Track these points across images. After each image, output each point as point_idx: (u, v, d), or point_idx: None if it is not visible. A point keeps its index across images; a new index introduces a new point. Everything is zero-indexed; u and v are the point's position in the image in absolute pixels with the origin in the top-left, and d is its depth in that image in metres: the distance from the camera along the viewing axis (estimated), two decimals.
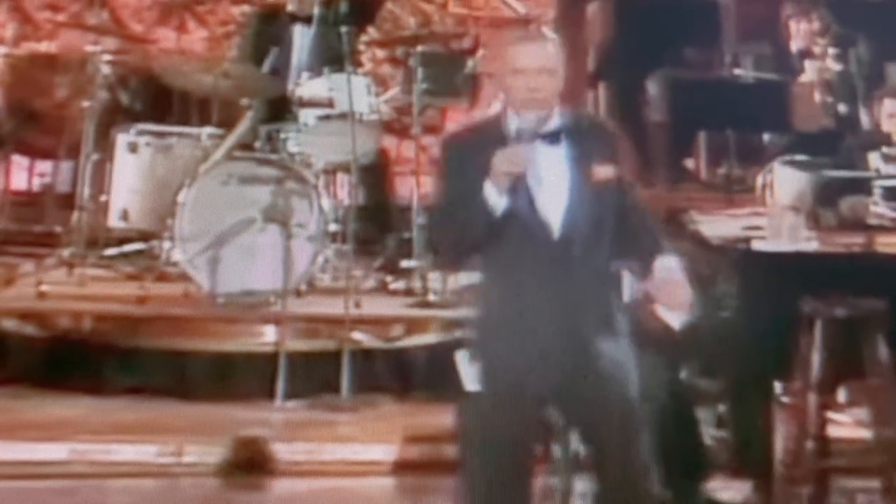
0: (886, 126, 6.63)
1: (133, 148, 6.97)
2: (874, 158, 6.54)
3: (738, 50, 7.55)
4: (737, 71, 7.34)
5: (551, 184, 4.08)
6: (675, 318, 4.13)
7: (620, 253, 4.18)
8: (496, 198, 4.02)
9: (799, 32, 7.53)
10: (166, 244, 6.65)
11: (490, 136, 4.12)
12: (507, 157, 4.02)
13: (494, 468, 4.10)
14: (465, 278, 6.72)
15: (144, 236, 6.94)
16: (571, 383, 4.09)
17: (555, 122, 4.11)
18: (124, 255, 6.99)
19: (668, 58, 7.42)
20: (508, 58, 4.11)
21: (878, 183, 6.05)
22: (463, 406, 4.23)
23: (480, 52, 7.82)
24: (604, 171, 4.11)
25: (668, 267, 4.12)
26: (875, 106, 6.70)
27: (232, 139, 6.97)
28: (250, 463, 5.58)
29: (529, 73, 4.07)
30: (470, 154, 4.12)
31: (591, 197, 4.10)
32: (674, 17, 7.50)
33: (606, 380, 4.09)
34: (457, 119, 8.13)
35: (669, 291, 4.11)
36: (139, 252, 6.95)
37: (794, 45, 7.57)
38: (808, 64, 7.50)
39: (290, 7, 7.32)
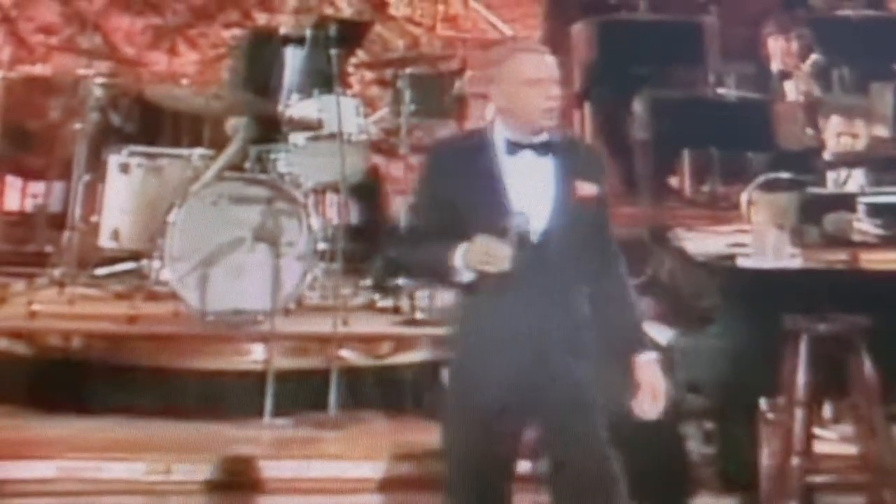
0: (832, 143, 6.69)
1: (124, 169, 7.03)
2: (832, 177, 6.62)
3: (722, 69, 7.61)
4: (720, 90, 7.40)
5: (535, 194, 4.06)
6: (650, 411, 4.12)
7: (588, 279, 4.15)
8: (462, 270, 3.97)
9: (777, 51, 7.60)
10: (156, 264, 6.69)
11: (476, 147, 4.10)
12: (484, 253, 3.93)
13: (474, 485, 4.11)
14: (453, 296, 6.80)
15: (135, 256, 6.98)
16: (541, 400, 4.08)
17: (544, 135, 4.09)
18: (115, 275, 7.04)
19: (653, 77, 7.47)
20: (521, 69, 4.05)
21: (862, 200, 6.10)
22: (443, 423, 4.23)
23: (468, 74, 7.88)
24: (588, 189, 4.11)
25: (649, 366, 4.10)
26: (822, 123, 6.77)
27: (222, 160, 7.03)
28: (239, 481, 5.59)
29: (545, 83, 4.05)
30: (453, 163, 4.10)
31: (573, 212, 4.10)
32: (658, 37, 7.56)
33: (570, 402, 4.09)
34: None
35: (649, 391, 4.10)
36: (129, 271, 6.99)
37: (774, 66, 7.64)
38: (787, 84, 7.56)
39: (282, 30, 7.40)
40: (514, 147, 4.06)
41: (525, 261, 3.99)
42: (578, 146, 4.21)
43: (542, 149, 4.07)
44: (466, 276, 3.98)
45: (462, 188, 4.05)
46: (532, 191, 4.06)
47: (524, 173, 4.07)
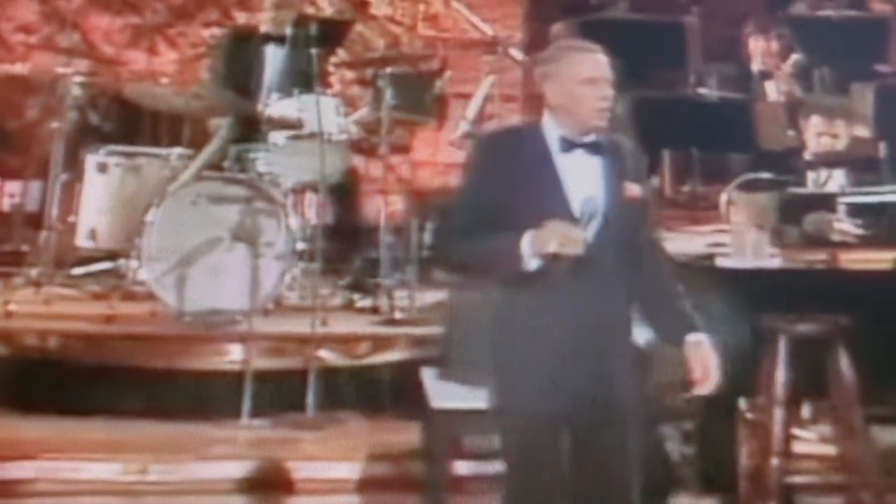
0: (813, 144, 6.69)
1: (102, 168, 7.01)
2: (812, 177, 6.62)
3: (703, 70, 7.60)
4: (701, 90, 7.39)
5: (588, 192, 4.01)
6: (704, 388, 4.12)
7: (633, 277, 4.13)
8: (529, 257, 3.93)
9: (758, 51, 7.59)
10: (133, 263, 6.66)
11: (529, 141, 4.06)
12: (561, 235, 3.91)
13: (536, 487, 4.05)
14: (433, 295, 6.80)
15: (112, 256, 6.96)
16: (583, 401, 4.03)
17: (592, 135, 4.05)
18: (92, 275, 7.01)
19: (634, 77, 7.45)
20: (579, 68, 4.01)
21: (842, 200, 6.10)
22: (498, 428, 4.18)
23: (448, 73, 7.87)
24: (634, 190, 4.09)
25: (699, 345, 4.09)
26: (802, 123, 6.77)
27: (201, 159, 7.01)
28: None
29: (600, 83, 4.02)
30: (506, 155, 4.05)
31: (623, 213, 4.06)
32: (639, 37, 7.54)
33: (608, 408, 4.06)
34: (425, 139, 8.19)
35: (702, 369, 4.09)
36: (106, 271, 6.97)
37: (755, 66, 7.64)
38: (768, 85, 7.56)
39: (263, 28, 7.38)
40: (567, 144, 4.03)
41: (579, 268, 3.96)
42: (624, 147, 4.13)
43: (592, 149, 4.05)
44: (533, 264, 3.93)
45: (517, 181, 4.00)
46: (585, 189, 4.02)
47: (577, 171, 4.03)
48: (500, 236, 3.97)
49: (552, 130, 4.06)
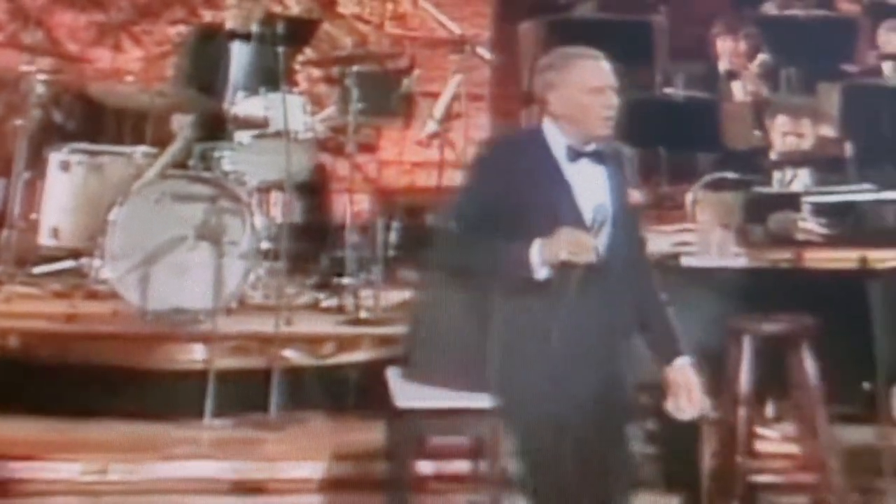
0: (779, 143, 6.69)
1: (65, 166, 6.96)
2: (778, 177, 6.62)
3: (671, 69, 7.59)
4: (668, 90, 7.38)
5: (595, 201, 3.98)
6: (684, 415, 4.11)
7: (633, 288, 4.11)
8: (539, 266, 3.89)
9: (726, 51, 7.59)
10: (96, 262, 6.60)
11: (534, 149, 4.01)
12: (573, 242, 3.88)
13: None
14: (399, 295, 6.78)
15: (74, 254, 6.91)
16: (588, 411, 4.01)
17: (593, 144, 4.02)
18: (54, 273, 6.96)
19: None
20: (585, 76, 3.98)
21: (807, 199, 6.10)
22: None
23: (416, 72, 7.84)
24: (636, 196, 4.09)
25: (685, 372, 4.07)
26: (768, 123, 6.77)
27: (165, 157, 6.97)
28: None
29: (606, 91, 3.99)
30: (511, 163, 3.98)
31: (627, 220, 4.05)
32: (606, 37, 7.51)
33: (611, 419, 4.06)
34: (392, 138, 8.16)
35: (684, 396, 4.08)
36: (69, 270, 6.92)
37: (722, 65, 7.64)
38: (735, 84, 7.56)
39: (229, 24, 7.35)
40: (574, 154, 3.99)
41: (590, 277, 3.92)
42: (623, 154, 4.12)
43: (596, 157, 4.01)
44: (543, 273, 3.88)
45: (525, 191, 3.95)
46: (593, 197, 3.98)
47: (585, 180, 4.00)
48: (508, 245, 3.91)
49: (556, 139, 4.00)
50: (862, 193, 6.28)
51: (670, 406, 4.09)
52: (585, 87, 3.97)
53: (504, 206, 3.95)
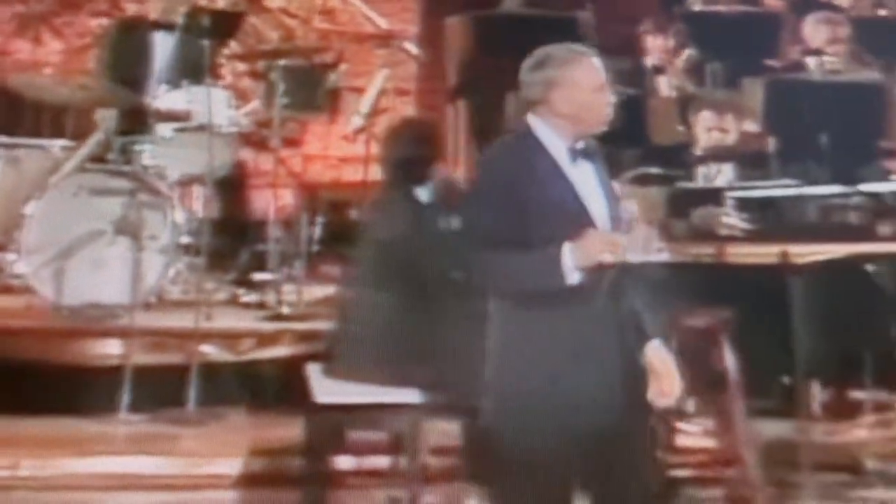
0: (703, 139, 6.70)
1: None
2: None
3: None
4: None
5: (595, 199, 3.93)
6: (664, 403, 4.01)
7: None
8: (572, 271, 3.80)
9: (654, 48, 7.60)
10: (11, 256, 6.49)
11: (533, 153, 3.91)
12: (607, 243, 3.81)
13: None
14: (321, 290, 6.73)
15: None
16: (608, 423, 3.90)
17: (581, 141, 3.97)
18: None
19: None
20: (590, 75, 3.92)
21: (730, 194, 6.10)
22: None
23: (342, 67, 7.79)
24: (618, 189, 4.05)
25: (660, 354, 3.98)
26: (693, 118, 6.78)
27: (84, 151, 6.86)
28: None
29: (605, 88, 3.94)
30: (518, 169, 3.89)
31: (618, 217, 3.99)
32: (533, 32, 7.50)
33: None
34: (317, 133, 8.10)
35: (666, 381, 3.97)
36: None
37: (649, 61, 7.64)
38: (661, 80, 7.56)
39: (153, 16, 7.27)
40: (573, 154, 3.93)
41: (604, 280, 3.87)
42: (599, 149, 4.05)
43: (586, 155, 3.96)
44: (574, 277, 3.80)
45: (534, 194, 3.87)
46: (592, 196, 3.93)
47: (582, 179, 3.94)
48: (533, 254, 3.83)
49: (552, 140, 3.93)
50: (784, 189, 6.31)
51: (652, 394, 3.97)
52: (591, 85, 3.91)
53: (520, 218, 3.86)
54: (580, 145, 3.95)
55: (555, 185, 3.90)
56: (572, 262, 3.80)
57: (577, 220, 3.86)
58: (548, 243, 3.82)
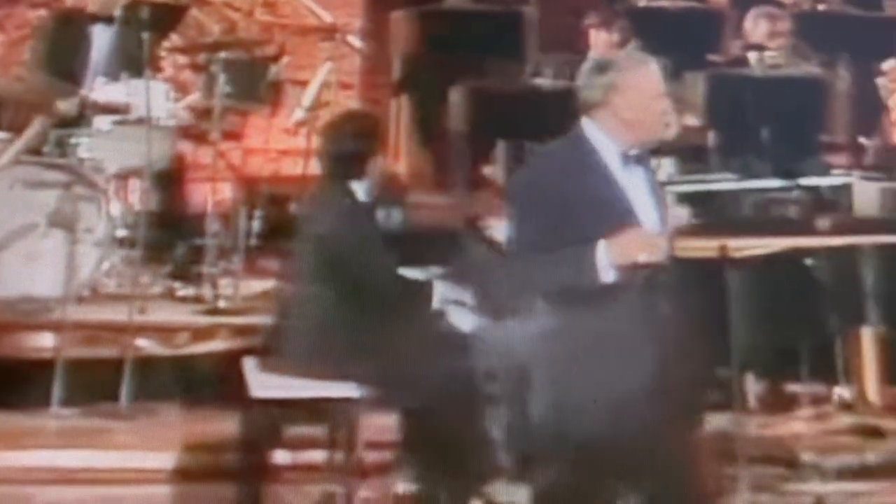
0: None
1: None
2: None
3: (541, 60, 7.59)
4: (537, 80, 7.37)
5: (645, 205, 3.94)
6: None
7: None
8: (606, 269, 3.80)
9: (598, 42, 7.59)
10: None
11: (583, 160, 3.91)
12: (647, 242, 3.82)
13: None
14: (259, 284, 6.68)
15: None
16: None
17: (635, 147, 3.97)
18: None
19: (471, 67, 7.43)
20: (652, 81, 3.95)
21: (670, 188, 6.09)
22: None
23: (285, 60, 7.74)
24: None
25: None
26: None
27: (19, 143, 6.77)
28: None
29: (665, 97, 3.98)
30: (566, 175, 3.89)
31: (666, 223, 4.01)
32: (477, 27, 7.53)
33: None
34: (258, 126, 8.03)
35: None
36: None
37: (594, 55, 7.62)
38: None
39: (91, 8, 7.21)
40: (626, 160, 3.93)
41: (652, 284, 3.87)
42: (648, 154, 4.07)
43: (638, 160, 3.96)
44: (609, 276, 3.78)
45: (585, 198, 3.86)
46: (641, 201, 3.93)
47: (633, 184, 3.94)
48: (569, 251, 3.81)
49: (606, 144, 3.92)
50: (723, 183, 6.32)
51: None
52: (652, 92, 3.94)
53: (568, 223, 3.85)
54: (633, 151, 3.93)
55: (606, 190, 3.89)
56: (608, 259, 3.79)
57: (623, 225, 3.85)
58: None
